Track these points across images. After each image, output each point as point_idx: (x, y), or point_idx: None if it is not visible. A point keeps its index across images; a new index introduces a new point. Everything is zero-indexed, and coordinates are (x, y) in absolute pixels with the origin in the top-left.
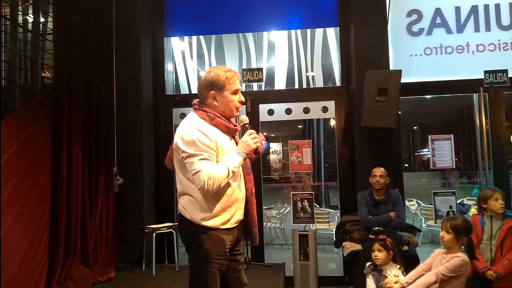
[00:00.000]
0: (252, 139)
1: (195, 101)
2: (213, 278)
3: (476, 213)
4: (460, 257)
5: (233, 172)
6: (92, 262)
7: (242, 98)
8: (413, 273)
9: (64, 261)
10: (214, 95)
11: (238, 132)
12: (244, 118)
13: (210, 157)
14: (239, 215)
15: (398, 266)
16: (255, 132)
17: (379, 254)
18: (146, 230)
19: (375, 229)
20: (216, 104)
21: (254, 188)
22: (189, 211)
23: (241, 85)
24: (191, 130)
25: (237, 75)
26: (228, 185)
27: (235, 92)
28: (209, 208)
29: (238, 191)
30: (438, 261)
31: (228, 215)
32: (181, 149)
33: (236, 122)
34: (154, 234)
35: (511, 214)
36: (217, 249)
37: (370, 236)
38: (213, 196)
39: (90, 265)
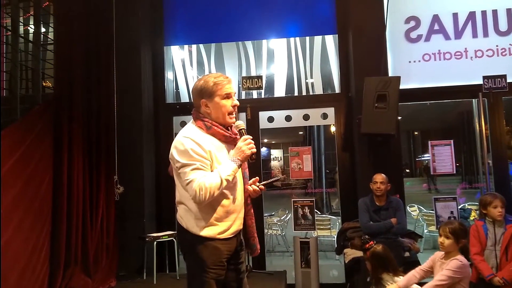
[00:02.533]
0: (246, 145)
1: (194, 110)
2: None
3: (477, 218)
4: (459, 259)
5: (227, 181)
6: (93, 271)
7: (236, 102)
8: (407, 276)
9: (65, 270)
10: (206, 103)
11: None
12: (240, 124)
13: (203, 167)
14: (237, 225)
15: (392, 275)
16: (251, 137)
17: (367, 265)
18: (147, 239)
19: (363, 238)
20: (209, 111)
21: (250, 198)
22: (185, 220)
23: (234, 89)
24: (184, 139)
25: (228, 79)
26: (224, 195)
27: (226, 97)
28: (204, 218)
29: (236, 201)
30: (439, 268)
31: (225, 225)
32: (175, 159)
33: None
34: (155, 242)
35: None
36: (213, 258)
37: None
38: (208, 206)
39: (91, 274)
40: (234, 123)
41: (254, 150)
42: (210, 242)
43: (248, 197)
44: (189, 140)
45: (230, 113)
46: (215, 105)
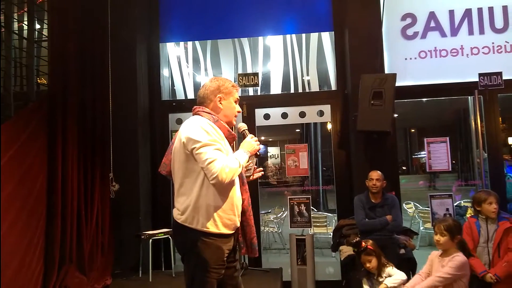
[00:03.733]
0: (255, 141)
1: (197, 107)
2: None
3: (471, 215)
4: (460, 256)
5: (242, 168)
6: (88, 269)
7: (239, 109)
8: (414, 279)
9: (60, 268)
10: (221, 98)
11: (235, 141)
12: (242, 125)
13: (221, 149)
14: (237, 221)
15: (390, 266)
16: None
17: (371, 264)
18: (143, 236)
19: (353, 242)
20: (221, 107)
21: (250, 199)
22: (186, 215)
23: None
24: (202, 123)
25: (238, 87)
26: (228, 189)
27: (235, 101)
28: (206, 210)
29: (237, 197)
30: (438, 265)
31: (231, 219)
32: (193, 140)
33: (233, 132)
34: (151, 240)
35: (507, 216)
36: (215, 258)
37: (353, 249)
38: (212, 197)
39: (86, 272)
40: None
41: (260, 146)
42: (212, 241)
43: (248, 198)
44: (207, 124)
45: (235, 116)
46: (228, 103)
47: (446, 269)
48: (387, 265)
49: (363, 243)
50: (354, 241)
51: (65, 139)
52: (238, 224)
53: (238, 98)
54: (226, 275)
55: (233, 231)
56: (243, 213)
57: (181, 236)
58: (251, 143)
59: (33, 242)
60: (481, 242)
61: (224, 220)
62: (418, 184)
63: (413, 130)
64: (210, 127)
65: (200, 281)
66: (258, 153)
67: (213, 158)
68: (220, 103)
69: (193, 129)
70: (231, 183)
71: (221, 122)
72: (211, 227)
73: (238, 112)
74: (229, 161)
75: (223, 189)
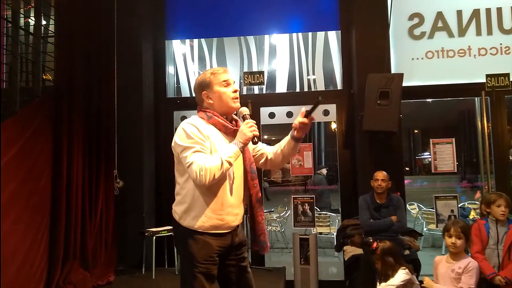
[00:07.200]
0: (248, 128)
1: (198, 106)
2: (200, 283)
3: (479, 217)
4: (472, 261)
5: (229, 163)
6: (91, 265)
7: (236, 87)
8: None
9: (64, 264)
10: (207, 94)
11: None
12: (244, 109)
13: (203, 150)
14: (231, 221)
15: (403, 267)
16: (254, 122)
17: (378, 266)
18: (146, 234)
19: (365, 240)
20: (212, 102)
21: (260, 193)
22: (178, 212)
23: (234, 79)
24: (185, 125)
25: (224, 69)
26: (218, 186)
27: (225, 84)
28: (196, 210)
29: (233, 195)
30: (446, 269)
31: (218, 219)
32: (177, 144)
33: (238, 117)
34: (154, 237)
35: None
36: (203, 253)
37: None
38: (201, 197)
39: (90, 268)
40: (238, 109)
41: (257, 133)
42: (201, 236)
43: (257, 192)
44: (189, 125)
45: (233, 98)
46: (215, 94)
47: (467, 280)
48: (400, 268)
49: (375, 244)
50: (366, 239)
51: (70, 135)
52: (235, 223)
53: (226, 79)
54: (231, 273)
55: (227, 231)
56: (250, 209)
57: (175, 230)
58: (243, 131)
59: (37, 238)
60: (490, 244)
61: (214, 220)
62: (421, 185)
63: (416, 131)
64: (192, 127)
65: (189, 276)
66: (255, 140)
67: (190, 162)
68: (209, 98)
69: (178, 133)
70: (219, 182)
71: (215, 118)
72: (198, 228)
73: (235, 91)
74: (208, 161)
75: (210, 188)
